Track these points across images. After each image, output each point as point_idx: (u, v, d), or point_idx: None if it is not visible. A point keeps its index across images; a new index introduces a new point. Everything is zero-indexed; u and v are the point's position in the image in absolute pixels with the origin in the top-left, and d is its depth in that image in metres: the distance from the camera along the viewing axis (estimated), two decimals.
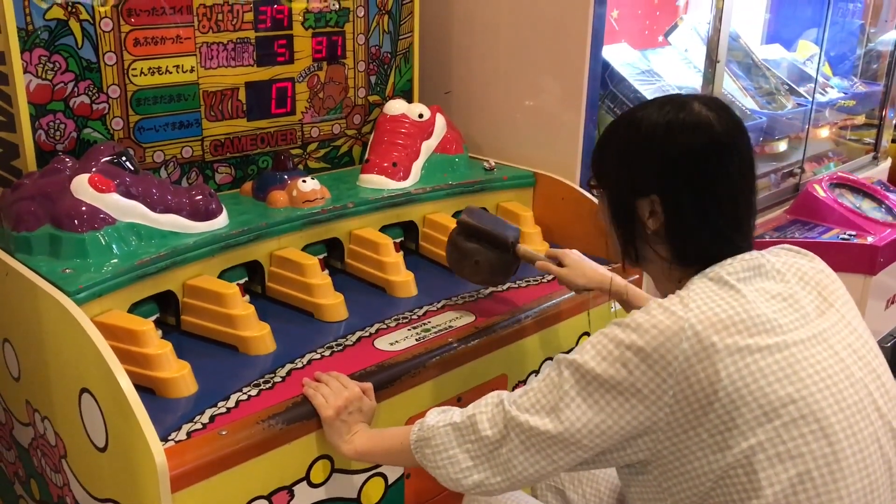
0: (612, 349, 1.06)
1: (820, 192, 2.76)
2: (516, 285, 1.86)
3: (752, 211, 1.18)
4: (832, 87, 3.45)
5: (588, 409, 1.07)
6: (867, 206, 2.83)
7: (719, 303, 1.06)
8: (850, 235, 2.58)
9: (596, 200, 1.28)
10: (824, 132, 3.42)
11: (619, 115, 1.24)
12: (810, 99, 3.14)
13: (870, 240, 2.54)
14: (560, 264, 1.66)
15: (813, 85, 3.19)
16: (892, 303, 2.76)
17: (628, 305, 1.64)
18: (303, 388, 1.38)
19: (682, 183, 1.13)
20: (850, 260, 2.51)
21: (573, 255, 1.67)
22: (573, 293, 1.75)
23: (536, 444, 1.11)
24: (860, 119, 3.60)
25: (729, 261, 1.12)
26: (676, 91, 2.59)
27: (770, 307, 1.08)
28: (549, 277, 1.88)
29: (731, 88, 2.90)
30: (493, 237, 1.69)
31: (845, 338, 1.11)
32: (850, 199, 2.82)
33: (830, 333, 1.09)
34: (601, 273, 1.64)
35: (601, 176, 1.24)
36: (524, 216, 2.08)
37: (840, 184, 2.90)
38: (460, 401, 1.59)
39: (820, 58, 3.27)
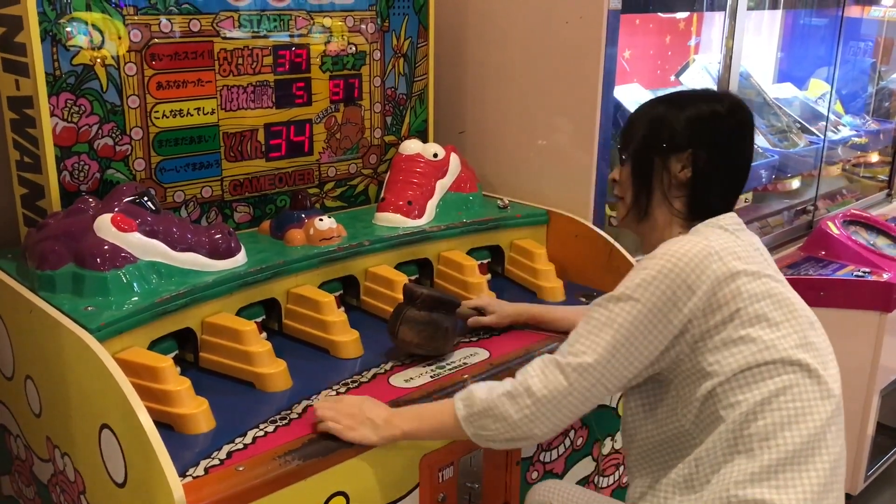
0: (655, 276, 1.29)
1: (834, 230, 2.76)
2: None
3: (745, 183, 1.47)
4: (844, 125, 3.47)
5: (636, 332, 1.29)
6: (882, 243, 2.83)
7: (727, 239, 1.35)
8: (864, 273, 2.57)
9: (614, 175, 1.54)
10: (837, 170, 3.42)
11: (655, 100, 1.49)
12: (822, 137, 3.16)
13: (885, 277, 2.53)
14: (482, 313, 1.84)
15: (825, 123, 3.21)
16: None
17: (550, 325, 1.83)
18: (317, 427, 1.40)
19: (711, 142, 1.40)
20: (866, 297, 2.51)
21: (490, 302, 1.87)
22: None
23: (594, 376, 1.30)
24: (874, 156, 3.61)
25: (723, 216, 1.40)
26: None
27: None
28: None
29: None
30: (449, 304, 1.70)
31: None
32: (864, 237, 2.82)
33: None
34: (518, 306, 1.85)
35: (630, 141, 1.48)
36: (538, 253, 2.10)
37: (854, 221, 2.90)
38: None
39: (831, 96, 3.29)
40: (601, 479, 1.95)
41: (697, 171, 1.41)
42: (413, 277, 1.97)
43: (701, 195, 1.42)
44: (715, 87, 2.48)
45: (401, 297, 1.81)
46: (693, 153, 1.40)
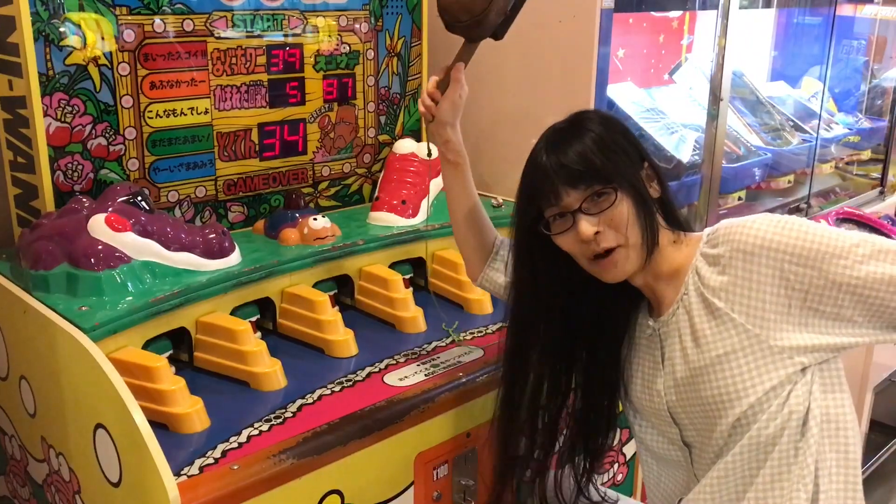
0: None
1: None
2: None
3: None
4: (837, 124, 3.48)
5: None
6: None
7: None
8: None
9: (588, 220, 1.27)
10: (830, 168, 3.44)
11: (582, 129, 1.33)
12: (815, 135, 3.17)
13: None
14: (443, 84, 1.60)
15: (818, 121, 3.22)
16: None
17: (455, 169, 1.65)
18: None
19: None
20: None
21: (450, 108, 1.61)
22: None
23: None
24: (866, 154, 3.62)
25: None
26: (682, 128, 2.62)
27: None
28: None
29: (737, 125, 2.94)
30: None
31: None
32: None
33: None
34: (461, 151, 1.64)
35: (613, 174, 1.27)
36: None
37: (847, 219, 2.91)
38: (469, 437, 1.60)
39: (824, 94, 3.30)
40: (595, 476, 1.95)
41: (659, 177, 1.34)
42: (407, 276, 1.97)
43: (670, 201, 1.35)
44: (708, 86, 2.49)
45: (396, 296, 1.82)
46: (648, 161, 1.33)
